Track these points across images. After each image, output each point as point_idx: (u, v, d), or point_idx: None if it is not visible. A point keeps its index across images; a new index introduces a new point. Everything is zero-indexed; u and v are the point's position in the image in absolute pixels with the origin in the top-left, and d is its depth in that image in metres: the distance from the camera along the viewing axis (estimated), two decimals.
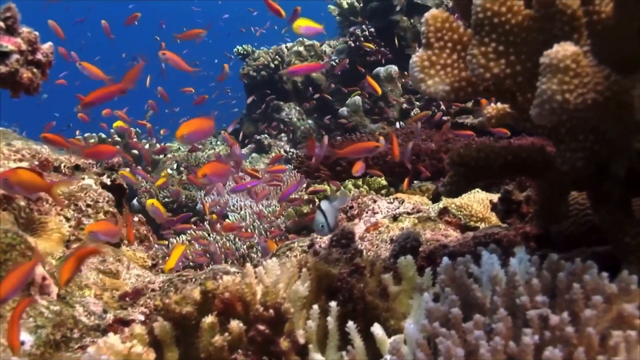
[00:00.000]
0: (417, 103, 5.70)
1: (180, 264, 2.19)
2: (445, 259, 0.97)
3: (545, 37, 0.92)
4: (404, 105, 5.81)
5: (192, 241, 3.65)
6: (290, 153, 6.14)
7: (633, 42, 0.94)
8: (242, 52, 7.08)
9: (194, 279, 1.43)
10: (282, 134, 6.60)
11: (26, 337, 1.17)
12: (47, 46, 1.52)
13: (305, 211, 3.47)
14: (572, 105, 0.84)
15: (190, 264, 3.16)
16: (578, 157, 1.00)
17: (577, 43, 0.89)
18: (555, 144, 1.04)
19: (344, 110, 5.91)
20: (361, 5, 6.57)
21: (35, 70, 1.47)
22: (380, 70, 5.86)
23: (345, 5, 6.68)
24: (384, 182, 3.37)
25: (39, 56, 1.49)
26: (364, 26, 6.18)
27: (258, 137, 6.60)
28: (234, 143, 2.75)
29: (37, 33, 1.50)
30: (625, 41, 0.96)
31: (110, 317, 1.34)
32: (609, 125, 0.96)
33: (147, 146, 5.99)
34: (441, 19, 1.00)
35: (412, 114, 5.73)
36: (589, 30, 0.94)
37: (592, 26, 0.96)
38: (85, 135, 5.80)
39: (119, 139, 5.84)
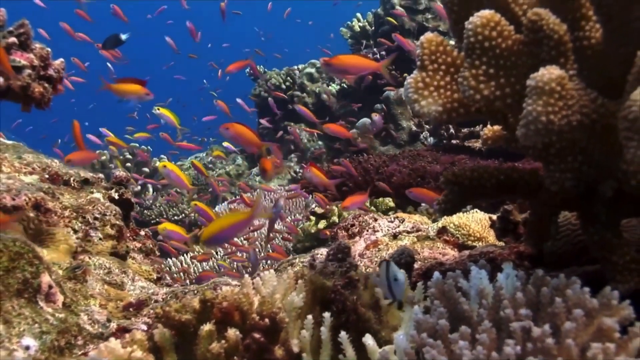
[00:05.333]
0: (427, 126, 5.74)
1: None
2: (436, 274, 1.00)
3: (534, 61, 0.95)
4: (413, 128, 5.85)
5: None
6: (300, 174, 6.17)
7: (620, 67, 0.98)
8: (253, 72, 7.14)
9: (195, 291, 1.46)
10: (292, 155, 6.64)
11: (31, 342, 1.20)
12: (58, 62, 1.57)
13: (312, 231, 3.49)
14: (556, 126, 0.87)
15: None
16: (567, 177, 1.03)
17: (563, 67, 0.92)
18: (544, 165, 1.07)
19: (353, 131, 5.94)
20: (373, 28, 6.65)
21: (46, 85, 1.52)
22: (390, 93, 5.90)
23: (357, 28, 6.77)
24: (392, 204, 3.39)
25: (51, 71, 1.54)
26: (375, 49, 6.25)
27: None
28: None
29: (49, 49, 1.56)
30: (612, 66, 1.00)
31: (113, 325, 1.37)
32: (596, 147, 0.99)
33: (157, 163, 6.04)
34: (435, 42, 1.04)
35: (421, 137, 5.78)
36: (578, 55, 0.98)
37: (581, 51, 1.00)
38: (97, 152, 5.85)
39: (129, 156, 5.91)
